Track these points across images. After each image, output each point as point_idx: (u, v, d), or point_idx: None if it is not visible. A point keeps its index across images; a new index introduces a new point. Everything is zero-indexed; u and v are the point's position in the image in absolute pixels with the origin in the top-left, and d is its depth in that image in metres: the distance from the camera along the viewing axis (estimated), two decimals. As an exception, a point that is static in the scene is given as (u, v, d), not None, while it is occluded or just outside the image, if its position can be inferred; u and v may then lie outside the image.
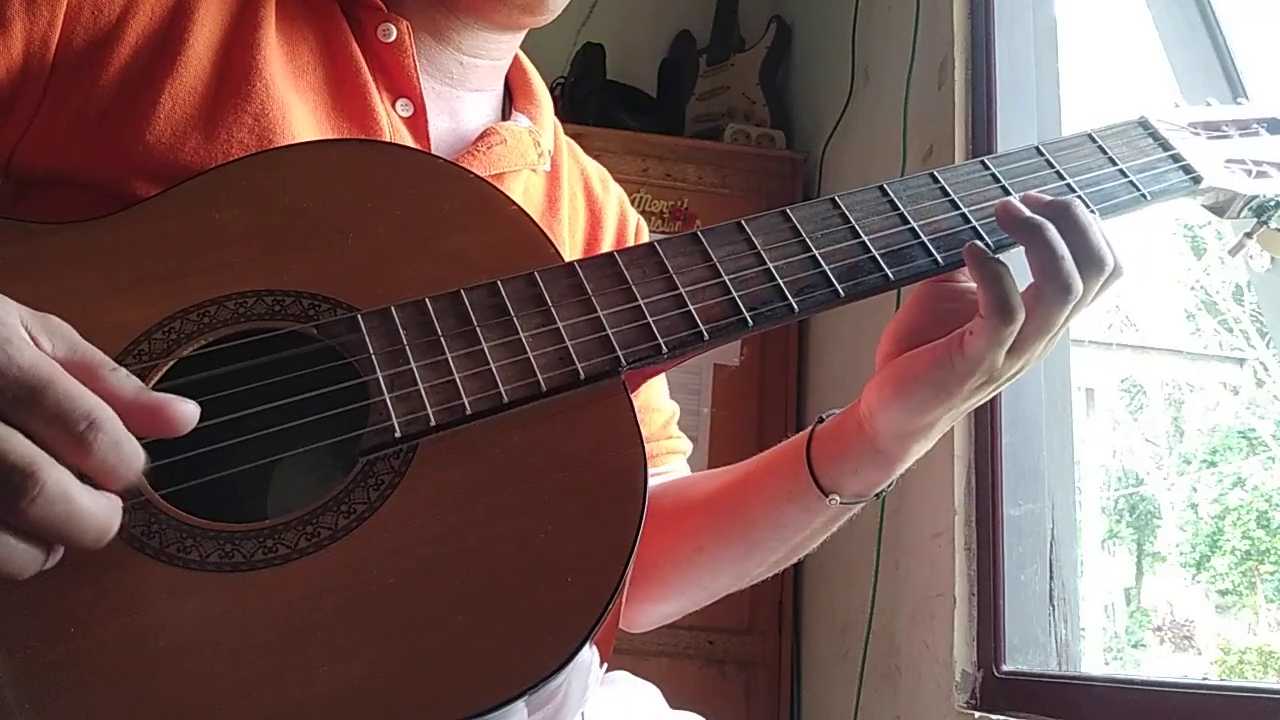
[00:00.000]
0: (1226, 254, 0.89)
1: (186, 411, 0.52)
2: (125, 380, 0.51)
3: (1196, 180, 0.82)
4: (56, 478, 0.47)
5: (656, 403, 0.98)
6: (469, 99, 0.90)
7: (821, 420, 0.82)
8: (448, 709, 0.53)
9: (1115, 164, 0.81)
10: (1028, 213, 0.70)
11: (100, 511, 0.49)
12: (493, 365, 0.63)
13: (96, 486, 0.49)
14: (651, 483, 0.92)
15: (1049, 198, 0.72)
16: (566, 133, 1.02)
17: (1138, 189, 0.79)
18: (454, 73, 0.88)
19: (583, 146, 1.05)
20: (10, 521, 0.47)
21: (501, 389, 0.63)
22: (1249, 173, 0.84)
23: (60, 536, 0.48)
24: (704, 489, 0.90)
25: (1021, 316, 0.67)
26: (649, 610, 0.93)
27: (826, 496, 0.79)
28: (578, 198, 0.98)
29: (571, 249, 0.95)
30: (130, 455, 0.49)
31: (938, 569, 1.61)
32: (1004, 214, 0.71)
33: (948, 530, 1.58)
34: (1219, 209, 0.86)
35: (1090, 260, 0.69)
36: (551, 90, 2.44)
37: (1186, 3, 1.46)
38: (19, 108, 0.72)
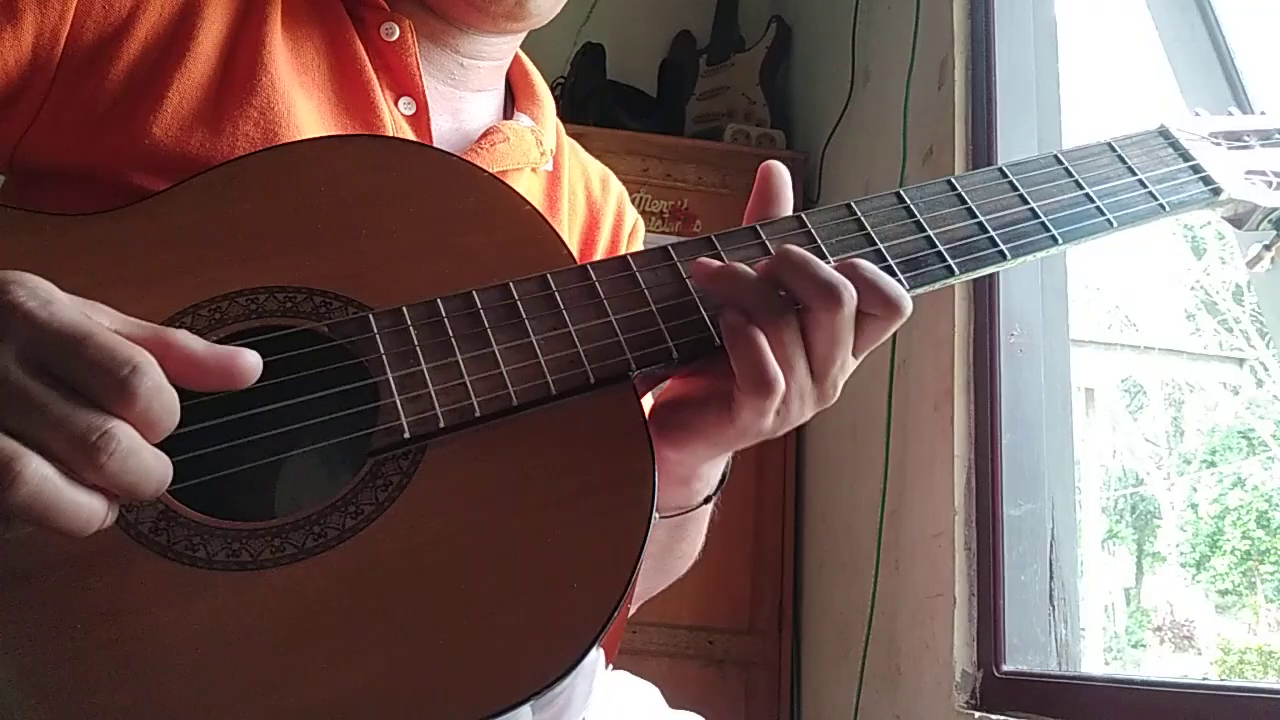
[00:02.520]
0: (1245, 265, 0.88)
1: (253, 362, 0.53)
2: (191, 338, 0.53)
3: (1216, 192, 0.81)
4: (128, 433, 0.48)
5: None
6: (471, 99, 0.91)
7: None
8: (454, 711, 0.52)
9: (1134, 174, 0.80)
10: (716, 264, 0.66)
11: (159, 465, 0.50)
12: (503, 367, 0.63)
13: None
14: None
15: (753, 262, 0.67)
16: (567, 133, 1.02)
17: (1156, 199, 0.79)
18: (455, 74, 0.89)
19: (583, 146, 1.05)
20: (87, 478, 0.48)
21: (511, 391, 0.62)
22: (1269, 184, 0.83)
23: (128, 490, 0.49)
24: None
25: (780, 388, 0.63)
26: None
27: None
28: (578, 198, 0.98)
29: (570, 248, 0.95)
30: (171, 402, 0.50)
31: (938, 569, 1.61)
32: (698, 272, 0.67)
33: (948, 530, 1.59)
34: (1238, 221, 0.85)
35: (810, 290, 0.63)
36: (551, 90, 2.43)
37: (1186, 3, 1.46)
38: (25, 100, 0.73)
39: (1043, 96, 1.72)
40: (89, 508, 0.48)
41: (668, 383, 0.73)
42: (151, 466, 0.49)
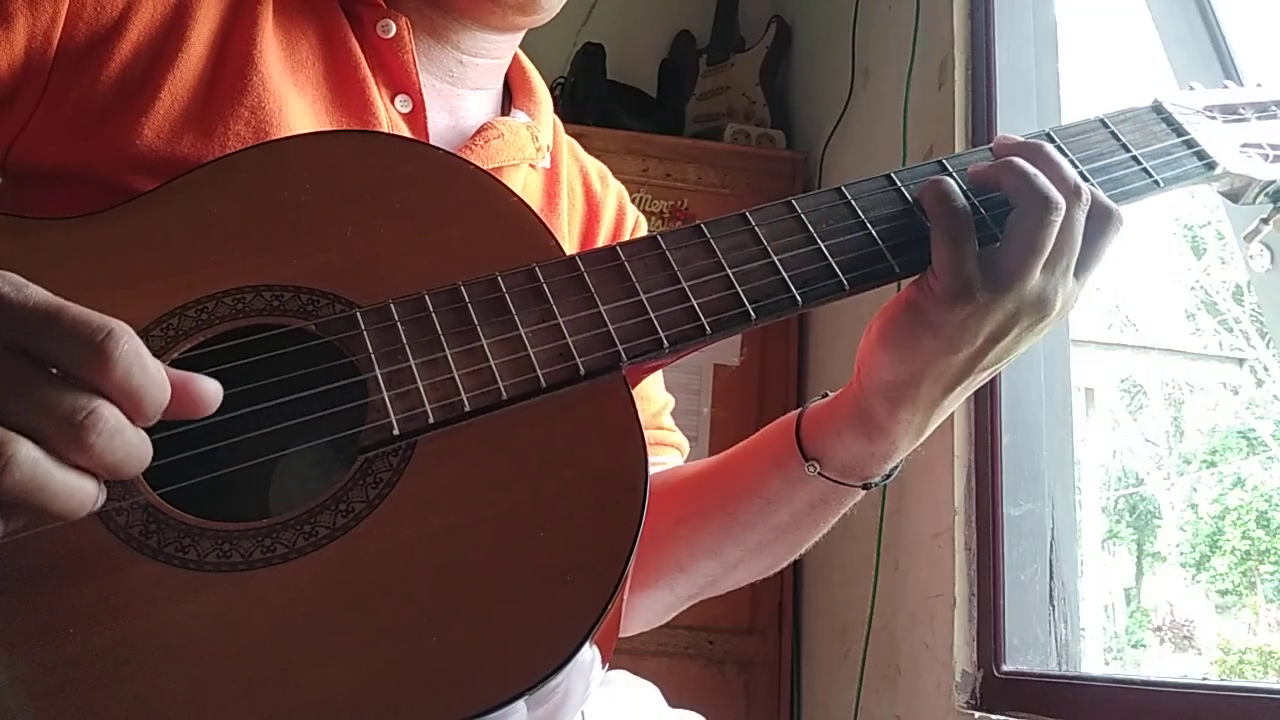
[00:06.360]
0: (1243, 238, 0.87)
1: (209, 388, 0.53)
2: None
3: (1211, 166, 0.80)
4: (113, 412, 0.48)
5: (648, 392, 0.97)
6: (469, 97, 0.90)
7: (824, 396, 0.81)
8: (447, 709, 0.52)
9: (1128, 150, 0.79)
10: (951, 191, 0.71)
11: (142, 444, 0.50)
12: (492, 361, 0.63)
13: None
14: None
15: (1020, 139, 0.74)
16: (568, 133, 1.02)
17: (1151, 175, 0.78)
18: (454, 71, 0.89)
19: (583, 146, 1.05)
20: (73, 459, 0.48)
21: (501, 385, 0.62)
22: (1265, 157, 0.82)
23: (113, 469, 0.49)
24: (694, 468, 0.89)
25: (968, 214, 0.68)
26: (631, 603, 0.91)
27: (807, 460, 0.78)
28: (576, 194, 0.98)
29: (570, 246, 0.95)
30: (154, 371, 0.50)
31: (938, 569, 1.61)
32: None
33: (948, 530, 1.58)
34: (1234, 195, 0.84)
35: (1064, 184, 0.69)
36: (551, 90, 2.44)
37: (1186, 3, 1.46)
38: (19, 102, 0.73)
39: (1043, 96, 1.71)
40: (81, 489, 0.48)
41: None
42: (135, 445, 0.49)
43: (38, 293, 0.49)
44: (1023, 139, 0.74)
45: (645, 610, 0.91)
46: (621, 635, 0.92)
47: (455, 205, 0.71)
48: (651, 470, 0.93)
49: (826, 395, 0.80)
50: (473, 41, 0.88)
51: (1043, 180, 0.68)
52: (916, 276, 0.71)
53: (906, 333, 0.71)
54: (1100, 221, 0.70)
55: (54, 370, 0.48)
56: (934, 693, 1.57)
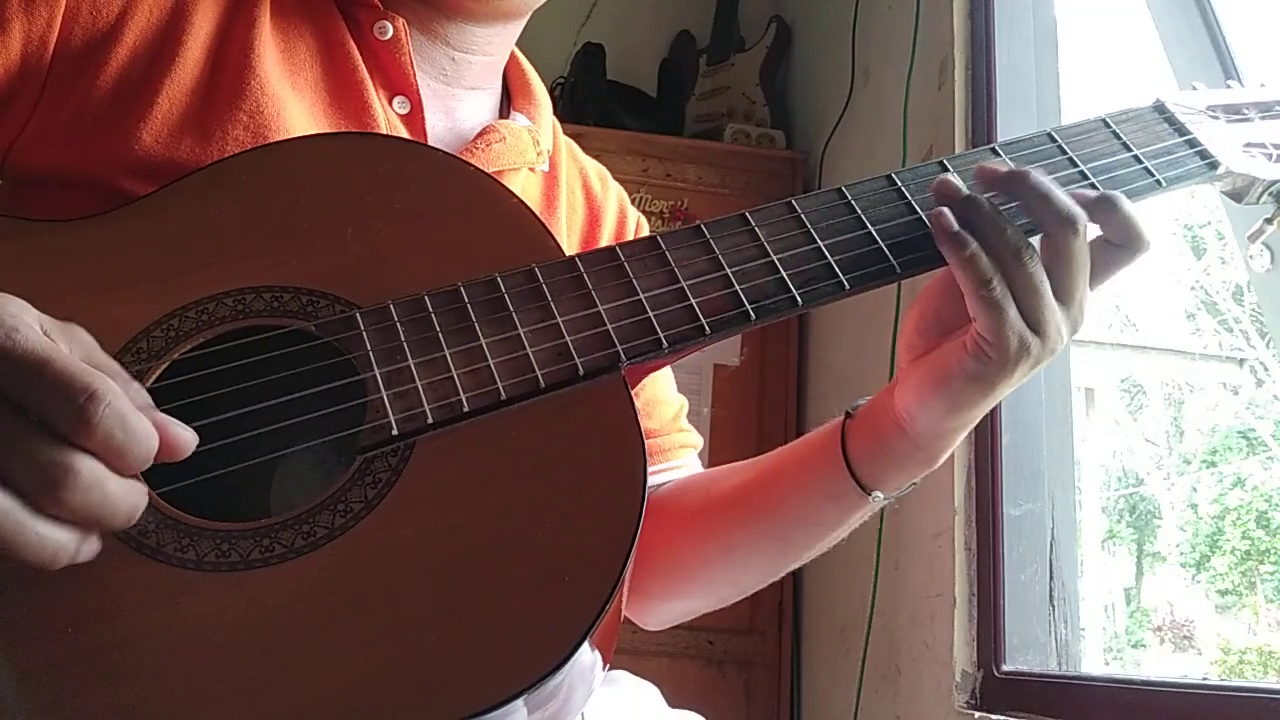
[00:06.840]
0: (1246, 239, 0.86)
1: (184, 438, 0.52)
2: (137, 395, 0.51)
3: (1213, 166, 0.79)
4: (90, 467, 0.48)
5: (665, 395, 0.98)
6: (466, 97, 0.90)
7: (849, 415, 0.80)
8: (446, 709, 0.52)
9: (1129, 150, 0.78)
10: (963, 189, 0.70)
11: (128, 494, 0.50)
12: (491, 362, 0.63)
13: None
14: (666, 478, 0.91)
15: (1005, 169, 0.72)
16: (566, 133, 1.02)
17: (1152, 175, 0.77)
18: (447, 70, 0.88)
19: (583, 146, 1.04)
20: (49, 511, 0.47)
21: (500, 386, 0.62)
22: (1269, 157, 0.82)
23: (95, 522, 0.49)
24: (729, 486, 0.88)
25: (996, 279, 0.67)
26: (673, 606, 0.92)
27: (869, 494, 0.77)
28: (576, 196, 0.98)
29: (570, 249, 0.94)
30: (139, 428, 0.49)
31: (938, 569, 1.61)
32: (937, 217, 0.69)
33: (948, 530, 1.58)
34: (1237, 195, 0.83)
35: (1050, 218, 0.68)
36: (551, 90, 2.44)
37: (1187, 3, 1.46)
38: (16, 107, 0.72)
39: (1043, 96, 1.71)
40: (54, 541, 0.48)
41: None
42: (118, 498, 0.49)
43: (26, 340, 0.48)
44: (1005, 169, 0.72)
45: (685, 614, 0.94)
46: (649, 629, 0.93)
47: (455, 206, 0.71)
48: (679, 473, 0.94)
49: (849, 415, 0.80)
50: (462, 37, 0.88)
51: (999, 235, 0.67)
52: (960, 337, 0.70)
53: (963, 392, 0.71)
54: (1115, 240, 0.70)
55: (38, 419, 0.47)
56: (934, 693, 1.57)
